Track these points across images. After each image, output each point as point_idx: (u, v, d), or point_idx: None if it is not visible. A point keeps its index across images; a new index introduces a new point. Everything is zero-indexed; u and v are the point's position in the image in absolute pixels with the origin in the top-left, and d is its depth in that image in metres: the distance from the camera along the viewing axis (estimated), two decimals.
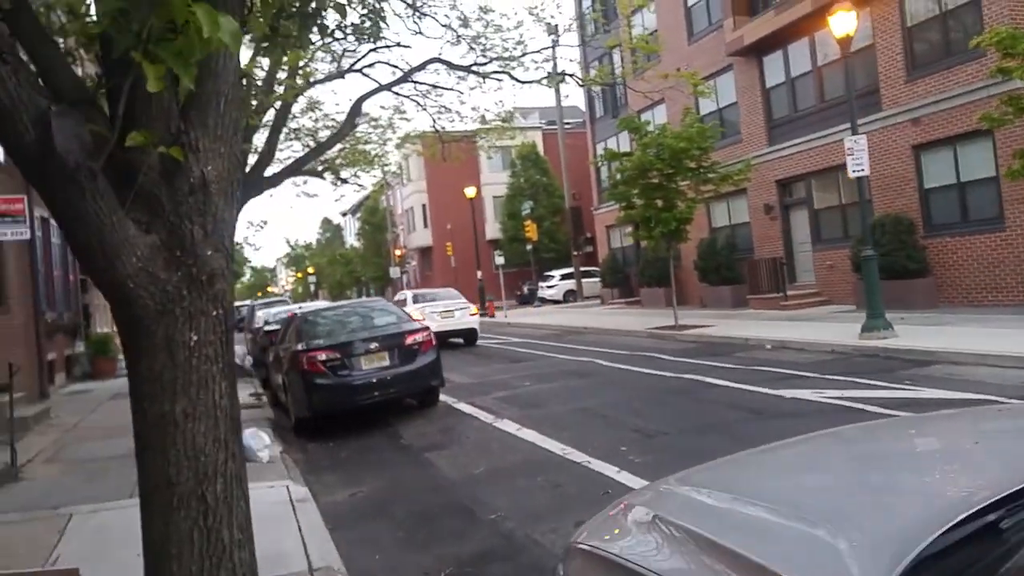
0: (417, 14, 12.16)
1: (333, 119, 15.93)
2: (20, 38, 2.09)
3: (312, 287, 71.72)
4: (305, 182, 18.13)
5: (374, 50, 12.98)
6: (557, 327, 21.96)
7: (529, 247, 34.42)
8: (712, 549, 1.66)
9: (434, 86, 14.87)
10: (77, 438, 9.22)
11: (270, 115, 13.19)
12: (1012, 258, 14.17)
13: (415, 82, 14.36)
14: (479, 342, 19.70)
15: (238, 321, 32.82)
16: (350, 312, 11.41)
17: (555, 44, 17.89)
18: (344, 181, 16.92)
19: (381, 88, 13.90)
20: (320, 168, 16.21)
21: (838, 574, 1.34)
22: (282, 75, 11.30)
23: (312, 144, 15.54)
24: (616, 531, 2.12)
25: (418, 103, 15.21)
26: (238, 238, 32.22)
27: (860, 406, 7.64)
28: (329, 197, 57.63)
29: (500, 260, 31.85)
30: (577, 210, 33.65)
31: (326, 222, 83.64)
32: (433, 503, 6.15)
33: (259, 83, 11.03)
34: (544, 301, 35.83)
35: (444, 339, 16.23)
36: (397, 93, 14.87)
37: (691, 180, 16.91)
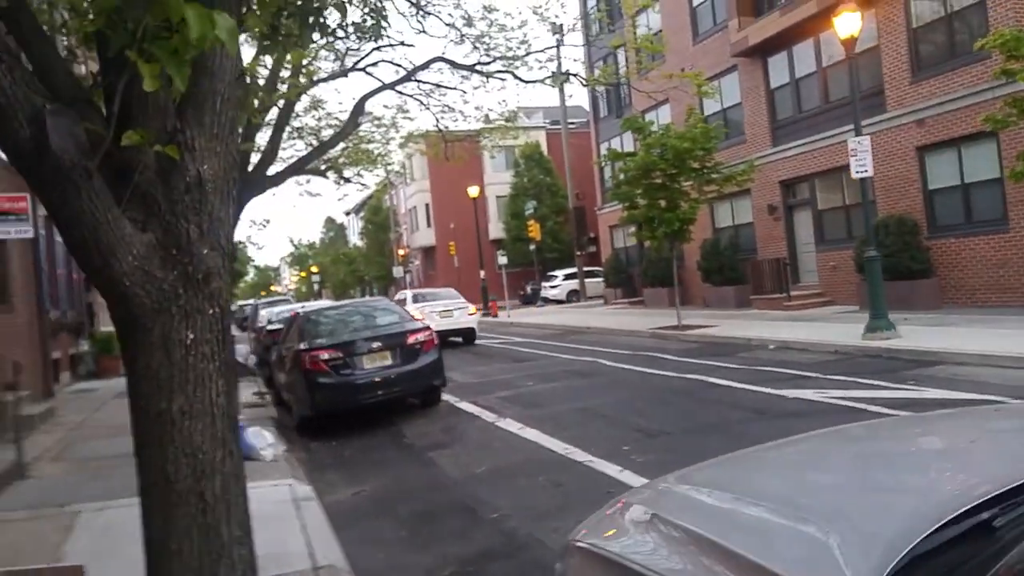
0: (421, 13, 12.17)
1: (336, 118, 15.95)
2: (17, 36, 2.10)
3: (316, 286, 71.81)
4: (308, 181, 18.18)
5: (377, 49, 13.00)
6: (560, 327, 21.96)
7: (532, 247, 34.42)
8: (709, 548, 1.66)
9: (437, 85, 14.89)
10: (83, 436, 9.23)
11: (273, 113, 13.22)
12: (1017, 259, 14.13)
13: (418, 81, 14.38)
14: (482, 342, 19.81)
15: (242, 320, 32.96)
16: (352, 311, 11.42)
17: (559, 44, 17.92)
18: (347, 180, 16.94)
19: (384, 87, 13.92)
20: (323, 167, 16.23)
21: (833, 573, 1.34)
22: (285, 73, 11.31)
23: (315, 143, 15.56)
24: (614, 529, 2.13)
25: (421, 102, 15.24)
26: (241, 237, 32.26)
27: (863, 406, 7.62)
28: (332, 196, 57.89)
29: (503, 260, 31.86)
30: (580, 210, 33.64)
31: (329, 221, 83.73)
32: (436, 502, 6.16)
33: (262, 81, 11.05)
34: (547, 301, 35.82)
35: (443, 338, 16.33)
36: (400, 92, 14.90)
37: (695, 180, 16.88)
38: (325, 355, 9.50)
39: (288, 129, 14.70)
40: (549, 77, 15.68)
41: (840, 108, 17.36)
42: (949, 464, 1.93)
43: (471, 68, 14.09)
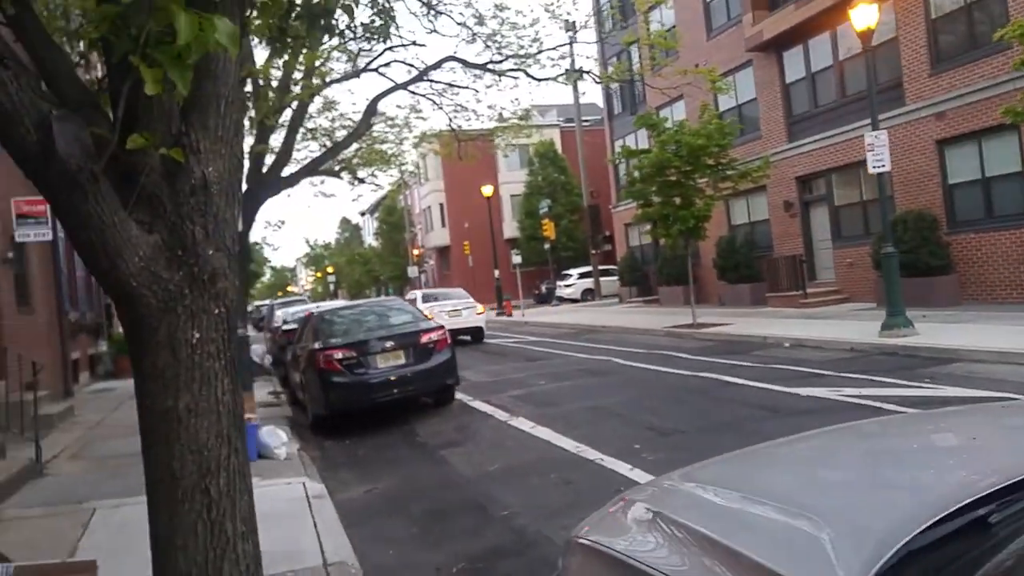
0: (432, 12, 12.21)
1: (349, 118, 16.05)
2: (24, 42, 2.14)
3: (331, 287, 72.22)
4: (322, 182, 18.31)
5: (390, 49, 13.08)
6: (574, 326, 21.94)
7: (547, 246, 34.37)
8: (707, 544, 1.66)
9: (450, 84, 14.95)
10: (100, 435, 9.36)
11: (287, 115, 13.33)
12: None
13: (431, 81, 14.44)
14: (496, 341, 19.93)
15: (258, 320, 33.22)
16: (366, 311, 11.48)
17: (572, 41, 17.90)
18: (361, 181, 17.04)
19: (397, 87, 13.98)
20: (337, 168, 16.33)
21: (824, 567, 1.34)
22: (298, 75, 11.40)
23: (329, 144, 15.66)
24: (617, 527, 2.13)
25: (434, 102, 15.30)
26: (256, 238, 32.48)
27: (878, 404, 7.56)
28: (347, 197, 58.28)
29: (517, 259, 31.86)
30: (595, 208, 33.56)
31: (345, 222, 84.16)
32: (447, 500, 6.19)
33: (275, 83, 11.15)
34: (562, 300, 35.78)
35: (453, 337, 16.51)
36: (413, 92, 14.97)
37: (709, 177, 16.80)
38: (339, 354, 9.56)
39: (302, 130, 14.82)
40: (562, 75, 15.69)
41: (857, 102, 17.20)
42: (950, 461, 1.92)
43: (483, 67, 14.12)
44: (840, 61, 18.40)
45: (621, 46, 22.61)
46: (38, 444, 7.54)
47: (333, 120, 16.38)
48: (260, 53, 9.43)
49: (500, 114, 17.32)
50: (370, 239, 69.30)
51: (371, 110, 14.33)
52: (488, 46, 14.20)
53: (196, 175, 2.21)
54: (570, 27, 18.06)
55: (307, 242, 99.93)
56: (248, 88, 10.54)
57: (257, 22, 3.53)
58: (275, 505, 5.92)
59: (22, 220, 10.32)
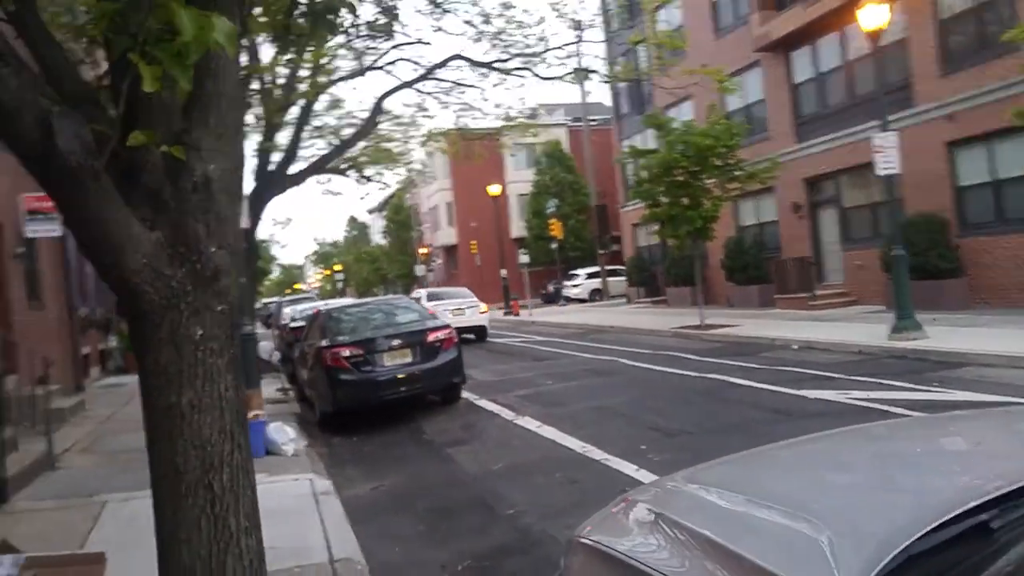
0: (438, 10, 12.21)
1: (356, 116, 16.07)
2: (25, 40, 2.15)
3: (339, 284, 72.37)
4: (329, 180, 18.32)
5: (396, 47, 13.09)
6: (581, 326, 21.92)
7: (554, 245, 34.36)
8: (712, 548, 1.66)
9: (456, 83, 14.94)
10: (111, 430, 9.42)
11: (293, 113, 13.37)
12: None
13: (437, 79, 14.44)
14: (503, 340, 20.02)
15: (266, 317, 33.32)
16: (373, 309, 11.51)
17: (579, 40, 17.86)
18: (368, 179, 17.05)
19: (403, 85, 14.00)
20: (344, 166, 16.36)
21: (823, 569, 1.34)
22: (304, 73, 11.43)
23: (335, 142, 15.69)
24: (619, 527, 2.13)
25: (441, 100, 15.30)
26: (264, 235, 32.53)
27: (885, 407, 7.52)
28: (354, 195, 58.32)
29: (524, 259, 31.84)
30: (603, 208, 33.52)
31: (352, 220, 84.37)
32: (453, 498, 6.20)
33: (281, 81, 11.18)
34: (569, 300, 35.75)
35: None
36: (419, 90, 14.98)
37: (717, 178, 16.75)
38: (346, 352, 9.59)
39: (308, 128, 14.85)
40: (569, 74, 15.66)
41: (866, 103, 17.10)
42: (954, 465, 1.91)
43: (489, 65, 14.12)
44: (849, 62, 18.30)
45: (628, 45, 22.49)
46: (50, 438, 7.59)
47: (340, 118, 16.40)
48: (267, 51, 9.46)
49: (507, 113, 17.31)
50: (378, 237, 69.43)
51: (377, 108, 14.35)
52: (494, 45, 14.20)
53: (198, 173, 2.22)
54: (577, 26, 18.04)
55: (315, 240, 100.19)
56: (255, 86, 10.58)
57: (263, 19, 3.55)
58: (282, 501, 5.95)
59: (32, 216, 10.38)
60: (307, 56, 8.63)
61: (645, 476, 5.92)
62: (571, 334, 20.13)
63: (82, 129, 2.01)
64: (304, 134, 14.60)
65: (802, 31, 18.98)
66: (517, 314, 29.78)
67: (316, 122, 15.69)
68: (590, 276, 35.72)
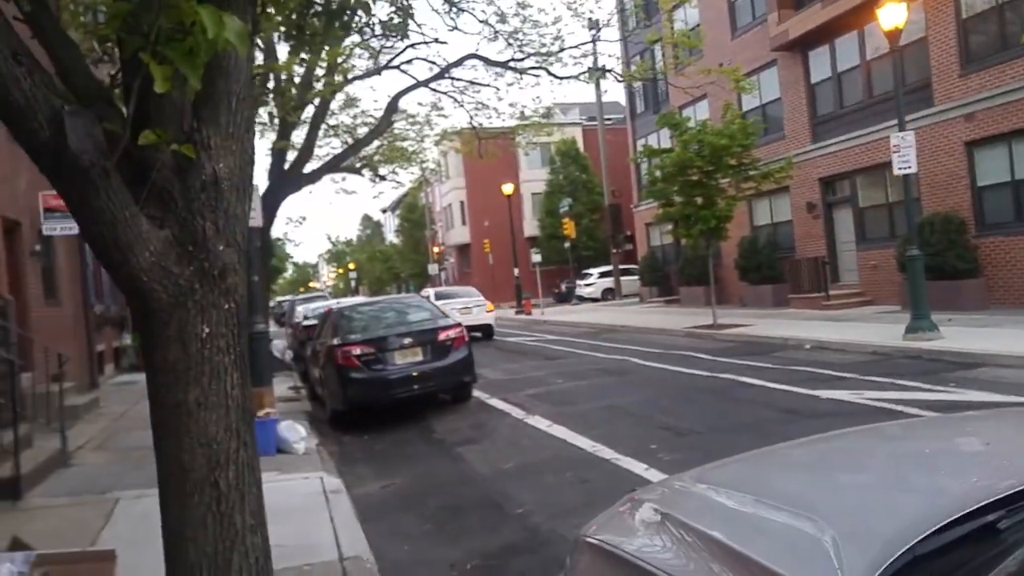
0: (454, 10, 12.22)
1: (371, 116, 16.13)
2: (40, 39, 2.17)
3: (353, 283, 72.64)
4: (344, 179, 18.44)
5: (411, 46, 13.12)
6: (593, 325, 21.88)
7: (567, 245, 34.30)
8: (717, 548, 1.65)
9: (471, 82, 14.98)
10: (124, 427, 9.49)
11: (309, 112, 13.43)
12: None
13: (452, 78, 14.47)
14: (515, 339, 20.15)
15: (279, 316, 33.52)
16: (385, 308, 11.54)
17: (595, 39, 17.83)
18: (382, 178, 17.12)
19: (418, 84, 14.03)
20: (358, 165, 16.43)
21: (827, 569, 1.33)
22: (320, 72, 11.47)
23: (350, 141, 15.75)
24: (625, 527, 2.12)
25: (455, 100, 15.33)
26: (278, 233, 32.77)
27: (899, 408, 7.45)
28: (368, 194, 58.58)
29: (537, 258, 31.80)
30: (616, 207, 33.41)
31: (366, 219, 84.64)
32: (463, 497, 6.21)
33: (297, 80, 11.23)
34: (582, 299, 35.69)
35: None
36: (434, 90, 15.02)
37: (732, 177, 16.66)
38: (357, 350, 9.62)
39: (324, 127, 14.93)
40: (584, 73, 15.65)
41: (884, 103, 16.95)
42: (964, 465, 1.89)
43: (504, 65, 14.12)
44: (867, 61, 18.13)
45: (644, 45, 22.48)
46: (64, 435, 7.67)
47: (355, 117, 16.48)
48: (283, 50, 9.50)
49: (522, 112, 17.33)
50: (391, 236, 69.64)
51: (392, 107, 14.40)
52: (510, 44, 14.21)
53: (207, 171, 2.23)
54: (593, 25, 18.00)
55: (329, 239, 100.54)
56: (270, 84, 10.64)
57: (277, 19, 3.57)
58: (293, 499, 5.97)
59: (49, 214, 10.49)
60: (323, 55, 8.65)
61: (655, 475, 5.89)
62: (583, 333, 20.10)
63: (94, 128, 2.02)
64: (319, 133, 14.67)
65: (820, 30, 18.82)
66: (529, 313, 29.76)
67: (331, 121, 15.77)
68: (603, 275, 35.64)
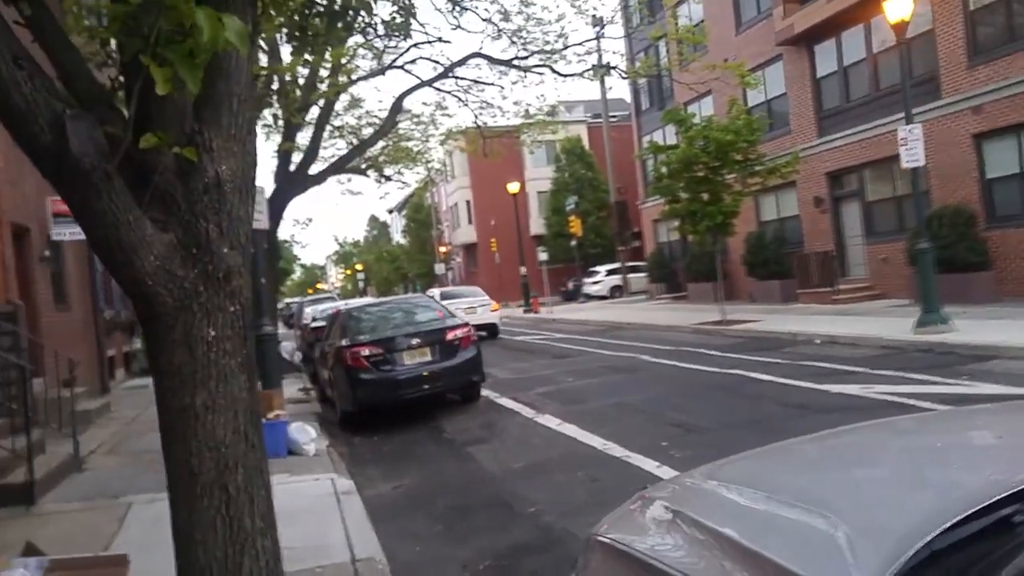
0: (457, 8, 12.20)
1: (376, 116, 16.15)
2: (41, 43, 2.17)
3: (360, 284, 72.78)
4: (350, 180, 18.44)
5: (415, 46, 13.11)
6: (601, 323, 21.84)
7: (574, 242, 34.25)
8: (729, 545, 1.64)
9: (476, 81, 14.98)
10: (136, 431, 9.52)
11: (314, 113, 13.45)
12: None
13: (456, 77, 14.47)
14: (523, 338, 20.15)
15: (288, 317, 33.59)
16: (393, 308, 11.54)
17: (599, 36, 17.79)
18: (388, 178, 17.13)
19: (422, 84, 14.02)
20: (364, 165, 16.44)
21: (840, 566, 1.31)
22: (324, 73, 11.48)
23: (355, 141, 15.77)
24: (636, 525, 2.10)
25: (460, 99, 15.32)
26: (285, 235, 32.87)
27: (911, 402, 7.39)
28: (374, 195, 58.69)
29: (544, 256, 31.77)
30: (623, 204, 33.35)
31: (373, 219, 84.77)
32: (473, 496, 6.20)
33: (302, 81, 11.25)
34: (589, 297, 35.63)
35: None
36: (439, 89, 15.01)
37: (738, 173, 16.59)
38: (366, 351, 9.63)
39: (329, 128, 14.95)
40: (588, 70, 15.61)
41: (891, 96, 16.84)
42: (978, 459, 1.87)
43: (508, 63, 14.10)
44: (874, 54, 18.02)
45: (649, 41, 22.42)
46: (76, 439, 7.69)
47: (359, 118, 16.49)
48: (287, 51, 9.50)
49: (526, 110, 17.31)
50: (398, 236, 69.73)
51: (397, 107, 14.40)
52: (513, 42, 14.18)
53: (209, 173, 2.23)
54: (597, 22, 17.95)
55: (336, 240, 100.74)
56: (274, 86, 10.67)
57: (279, 20, 3.56)
58: (304, 501, 5.98)
59: (58, 219, 10.54)
60: (327, 56, 8.66)
61: (666, 473, 5.87)
62: (591, 331, 20.07)
63: (95, 131, 2.02)
64: (324, 134, 14.69)
65: (826, 24, 18.73)
66: (537, 311, 29.74)
67: (336, 122, 15.79)
68: (610, 273, 35.57)
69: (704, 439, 7.00)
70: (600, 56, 17.48)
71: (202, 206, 2.23)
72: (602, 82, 27.80)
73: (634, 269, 33.78)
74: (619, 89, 61.68)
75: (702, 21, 23.20)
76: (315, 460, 7.64)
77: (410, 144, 17.35)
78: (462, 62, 14.05)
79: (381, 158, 16.85)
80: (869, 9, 16.71)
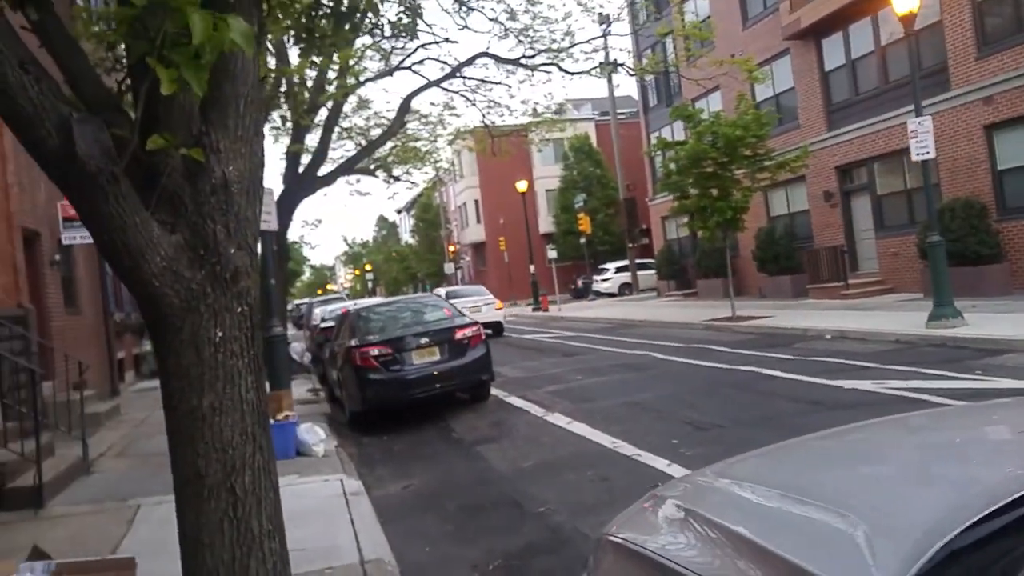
0: (464, 8, 12.18)
1: (384, 117, 16.17)
2: (48, 48, 2.17)
3: (370, 284, 72.96)
4: (358, 180, 18.48)
5: (422, 46, 13.12)
6: (611, 320, 21.79)
7: (583, 240, 34.19)
8: (743, 545, 1.61)
9: (483, 81, 14.99)
10: (145, 433, 9.56)
11: (322, 115, 13.47)
12: None
13: (464, 77, 14.46)
14: (532, 336, 20.13)
15: (297, 318, 33.70)
16: (402, 308, 11.54)
17: (606, 34, 17.74)
18: (396, 179, 17.14)
19: (430, 84, 14.02)
20: (372, 166, 16.46)
21: (860, 566, 1.28)
22: (332, 75, 11.49)
23: (364, 142, 15.79)
24: (648, 525, 2.08)
25: (467, 98, 15.32)
26: (294, 237, 32.98)
27: (924, 397, 7.33)
28: (383, 195, 58.86)
29: (553, 254, 31.74)
30: (631, 201, 33.25)
31: (382, 220, 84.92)
32: (483, 496, 6.18)
33: (310, 83, 11.26)
34: (599, 294, 35.57)
35: None
36: (446, 89, 15.01)
37: (747, 168, 16.50)
38: (375, 351, 9.62)
39: (337, 130, 14.97)
40: (596, 68, 15.58)
41: (900, 88, 16.72)
42: (996, 455, 1.83)
43: (516, 62, 14.09)
44: (882, 47, 17.89)
45: (655, 38, 22.35)
46: (85, 442, 7.73)
47: (368, 119, 16.51)
48: (295, 53, 9.51)
49: (534, 109, 17.28)
50: (407, 236, 69.83)
51: (405, 108, 14.41)
52: (520, 41, 14.17)
53: (216, 174, 2.22)
54: (603, 20, 17.90)
55: (345, 240, 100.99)
56: (283, 88, 10.68)
57: (286, 23, 3.55)
58: (313, 502, 5.98)
59: (68, 223, 10.59)
60: (334, 58, 8.66)
61: (677, 471, 5.83)
62: (601, 329, 20.02)
63: (101, 134, 2.02)
64: (333, 135, 14.71)
65: (833, 17, 18.60)
66: (546, 310, 29.70)
67: (345, 123, 15.82)
68: (619, 270, 35.49)
69: (715, 437, 6.96)
70: (607, 53, 17.43)
71: (209, 207, 2.23)
72: (609, 79, 27.75)
73: (643, 266, 33.69)
74: (627, 86, 61.47)
75: (708, 17, 23.10)
76: (324, 461, 7.64)
77: (418, 144, 17.36)
78: (469, 62, 14.04)
79: (390, 159, 16.86)
80: (876, 2, 16.59)
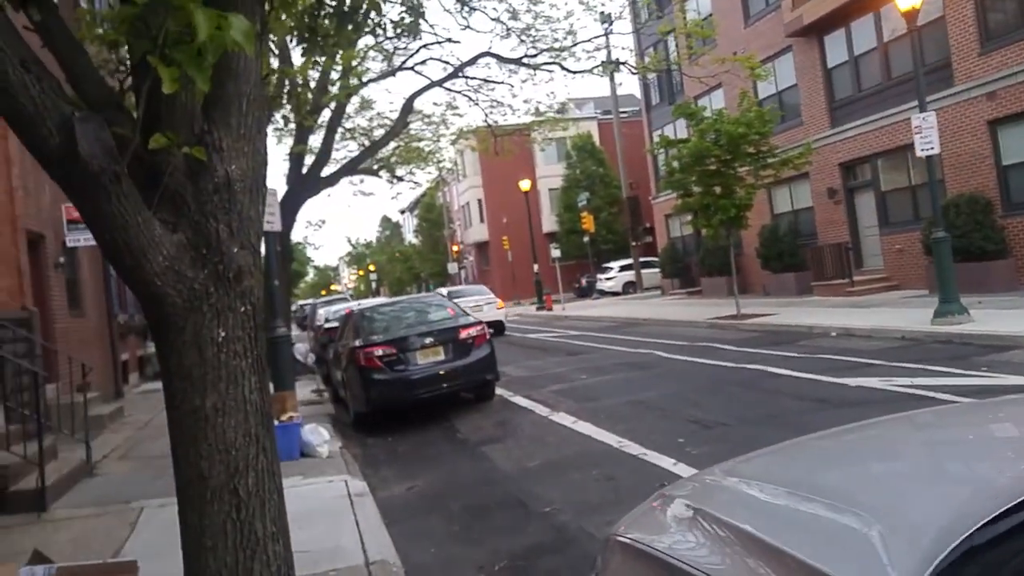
0: (466, 8, 12.16)
1: (387, 117, 16.16)
2: (51, 47, 2.16)
3: (373, 284, 73.00)
4: (362, 181, 18.47)
5: (424, 47, 13.10)
6: (615, 319, 21.76)
7: (586, 239, 34.15)
8: (754, 544, 1.58)
9: (485, 80, 14.96)
10: (149, 435, 9.56)
11: (325, 115, 13.47)
12: None
13: (466, 77, 14.44)
14: (537, 336, 20.13)
15: (301, 319, 33.72)
16: (406, 308, 11.52)
17: (607, 32, 17.72)
18: (399, 179, 17.13)
19: (433, 84, 14.01)
20: (375, 166, 16.46)
21: (875, 566, 1.26)
22: (335, 75, 11.47)
23: (367, 143, 15.78)
24: (656, 524, 2.06)
25: (470, 98, 15.30)
26: (298, 237, 33.00)
27: (931, 394, 7.29)
28: (386, 195, 58.86)
29: (556, 253, 31.71)
30: (635, 200, 33.19)
31: (385, 220, 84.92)
32: (488, 496, 6.16)
33: (313, 84, 11.25)
34: (603, 293, 35.53)
35: None
36: (449, 89, 14.99)
37: (750, 166, 16.46)
38: (379, 351, 9.60)
39: (340, 130, 14.96)
40: (598, 67, 15.55)
41: (903, 84, 16.66)
42: (1010, 452, 1.80)
43: (518, 61, 14.07)
44: (885, 43, 17.84)
45: (657, 36, 22.29)
46: (88, 445, 7.73)
47: (371, 119, 16.51)
48: (298, 54, 9.50)
49: (536, 108, 17.26)
50: (410, 236, 69.85)
51: (407, 108, 14.40)
52: (522, 40, 14.14)
53: (219, 173, 2.21)
54: (605, 19, 17.89)
55: (349, 241, 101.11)
56: (286, 89, 10.66)
57: (290, 24, 3.54)
58: (317, 503, 5.96)
59: (72, 225, 10.59)
60: (337, 58, 8.65)
61: (683, 470, 5.81)
62: (605, 328, 19.99)
63: (103, 133, 2.00)
64: (336, 136, 14.71)
65: (834, 14, 18.55)
66: (550, 309, 29.68)
67: (348, 124, 15.81)
68: (623, 269, 35.45)
69: (722, 435, 6.93)
70: (609, 52, 17.39)
71: (212, 206, 2.22)
72: (612, 78, 27.70)
73: (647, 264, 33.65)
74: (629, 85, 61.51)
75: (710, 15, 23.04)
76: (328, 462, 7.62)
77: (421, 144, 17.35)
78: (472, 62, 14.03)
79: (393, 159, 16.86)
80: None
